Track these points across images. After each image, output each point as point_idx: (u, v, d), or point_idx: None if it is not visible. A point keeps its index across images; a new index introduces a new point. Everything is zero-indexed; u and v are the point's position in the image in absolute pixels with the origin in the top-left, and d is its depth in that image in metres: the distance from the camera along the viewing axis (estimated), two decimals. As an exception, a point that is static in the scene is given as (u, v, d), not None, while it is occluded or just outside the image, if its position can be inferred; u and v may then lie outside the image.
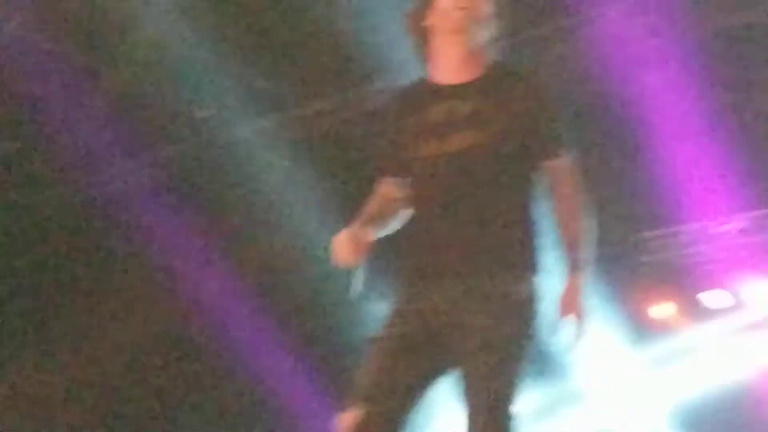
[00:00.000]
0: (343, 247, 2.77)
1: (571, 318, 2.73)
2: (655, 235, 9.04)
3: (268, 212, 8.19)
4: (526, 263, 2.83)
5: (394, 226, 2.99)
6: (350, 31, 6.71)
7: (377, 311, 2.97)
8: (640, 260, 9.03)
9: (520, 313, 2.76)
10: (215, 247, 8.63)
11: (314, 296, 8.35)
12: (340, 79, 7.44)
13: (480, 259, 2.80)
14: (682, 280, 9.00)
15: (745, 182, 8.14)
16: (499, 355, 2.70)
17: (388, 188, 3.03)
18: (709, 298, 8.90)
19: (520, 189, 2.88)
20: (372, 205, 3.00)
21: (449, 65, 2.99)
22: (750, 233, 8.75)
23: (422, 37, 3.03)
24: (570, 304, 2.73)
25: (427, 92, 3.01)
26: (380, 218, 2.95)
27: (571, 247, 2.82)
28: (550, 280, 2.83)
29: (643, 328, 9.10)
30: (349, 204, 3.21)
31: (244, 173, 8.11)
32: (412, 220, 2.96)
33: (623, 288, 8.71)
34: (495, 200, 2.84)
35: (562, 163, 2.91)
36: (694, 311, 9.00)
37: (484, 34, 2.98)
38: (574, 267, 2.79)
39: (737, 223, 8.78)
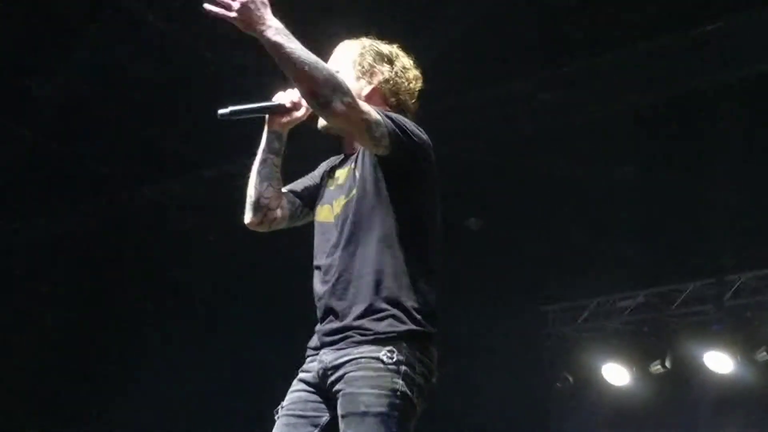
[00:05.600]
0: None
1: None
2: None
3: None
4: (390, 328, 2.80)
5: (265, 171, 3.11)
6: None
7: None
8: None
9: (384, 379, 2.74)
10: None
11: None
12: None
13: (347, 327, 2.83)
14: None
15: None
16: (365, 422, 2.72)
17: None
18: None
19: (383, 245, 2.87)
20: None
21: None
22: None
23: None
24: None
25: (339, 162, 3.16)
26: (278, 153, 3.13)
27: None
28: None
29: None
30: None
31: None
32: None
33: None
34: (357, 262, 2.87)
35: None
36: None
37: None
38: None
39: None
